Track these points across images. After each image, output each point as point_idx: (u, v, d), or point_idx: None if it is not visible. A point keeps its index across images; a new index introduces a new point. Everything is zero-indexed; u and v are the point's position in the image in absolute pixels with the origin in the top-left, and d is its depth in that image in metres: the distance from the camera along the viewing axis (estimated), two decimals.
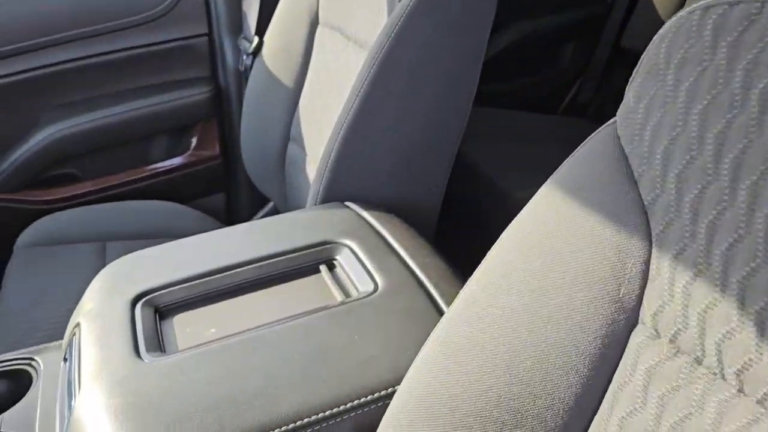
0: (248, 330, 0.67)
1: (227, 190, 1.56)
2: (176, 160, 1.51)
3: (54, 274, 1.16)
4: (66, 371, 0.70)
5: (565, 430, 0.46)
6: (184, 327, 0.70)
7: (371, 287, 0.71)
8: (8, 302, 1.10)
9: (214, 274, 0.76)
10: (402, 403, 0.52)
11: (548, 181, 0.49)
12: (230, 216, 1.57)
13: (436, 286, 0.70)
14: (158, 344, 0.67)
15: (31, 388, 0.74)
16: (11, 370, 0.78)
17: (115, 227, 1.31)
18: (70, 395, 0.65)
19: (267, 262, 0.78)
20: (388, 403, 0.58)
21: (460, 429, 0.48)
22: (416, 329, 0.64)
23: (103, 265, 0.97)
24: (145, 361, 0.63)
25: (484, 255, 0.91)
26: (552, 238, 0.47)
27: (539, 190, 0.50)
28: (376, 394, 0.58)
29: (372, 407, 0.58)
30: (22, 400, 0.73)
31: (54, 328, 1.01)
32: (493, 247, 0.53)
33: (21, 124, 1.40)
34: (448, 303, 0.68)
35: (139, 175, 1.47)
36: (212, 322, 0.70)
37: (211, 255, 0.80)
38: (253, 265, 0.77)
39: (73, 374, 0.66)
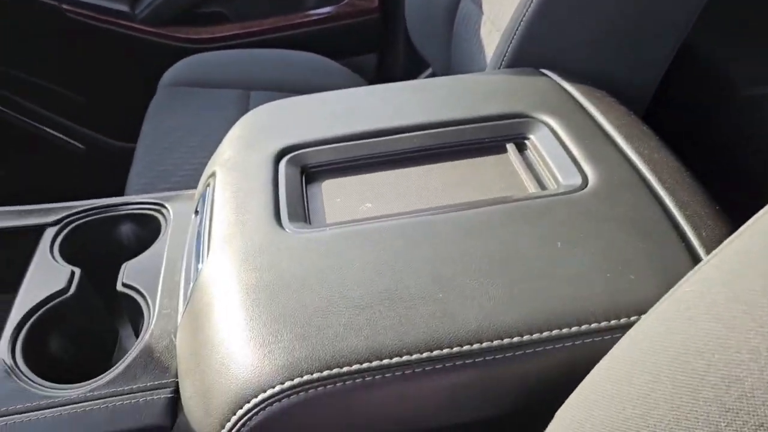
0: (413, 213, 0.53)
1: (382, 50, 1.40)
2: (329, 9, 1.36)
3: (195, 118, 1.08)
4: (196, 226, 0.60)
5: None
6: (333, 196, 0.57)
7: (578, 180, 0.54)
8: (146, 142, 1.04)
9: (374, 137, 0.62)
10: (634, 356, 0.36)
11: None
12: (382, 79, 1.42)
13: (671, 192, 0.51)
14: (303, 213, 0.54)
15: (158, 238, 0.66)
16: (141, 214, 0.69)
17: (260, 75, 1.20)
18: (198, 256, 0.54)
19: (439, 130, 0.62)
20: (598, 342, 0.42)
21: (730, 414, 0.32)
22: (643, 246, 0.47)
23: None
24: (287, 231, 0.51)
25: (699, 154, 0.69)
26: None
27: None
28: (584, 327, 0.42)
29: (575, 343, 0.42)
30: (148, 250, 0.64)
31: (189, 174, 0.94)
32: None
33: None
34: (689, 218, 0.49)
35: (289, 22, 1.34)
36: (368, 196, 0.56)
37: (370, 113, 0.65)
38: (422, 132, 0.62)
39: (203, 232, 0.56)
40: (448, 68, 1.13)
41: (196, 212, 0.63)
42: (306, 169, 0.60)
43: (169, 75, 1.23)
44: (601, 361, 0.38)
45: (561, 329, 0.42)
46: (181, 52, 1.29)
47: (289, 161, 0.59)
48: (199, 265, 0.53)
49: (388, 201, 0.55)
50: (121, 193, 0.96)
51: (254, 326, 0.44)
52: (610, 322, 0.43)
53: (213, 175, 0.61)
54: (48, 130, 1.37)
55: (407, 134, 0.62)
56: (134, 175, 0.97)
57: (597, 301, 0.43)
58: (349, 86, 0.79)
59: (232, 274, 0.48)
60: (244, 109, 1.09)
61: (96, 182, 1.37)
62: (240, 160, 0.61)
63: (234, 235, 0.51)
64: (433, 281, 0.45)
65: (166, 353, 0.53)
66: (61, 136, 1.38)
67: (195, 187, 0.70)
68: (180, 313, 0.54)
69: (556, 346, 0.42)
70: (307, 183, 0.59)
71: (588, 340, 0.42)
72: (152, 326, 0.55)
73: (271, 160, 0.59)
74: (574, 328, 0.42)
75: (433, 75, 1.28)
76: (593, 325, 0.43)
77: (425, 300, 0.44)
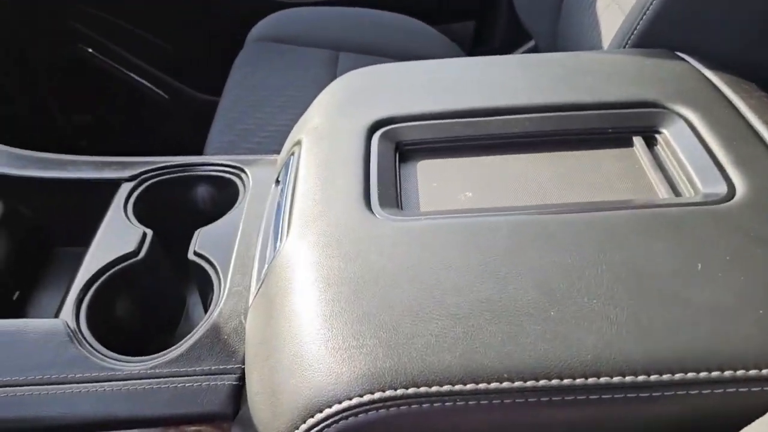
0: (521, 209, 0.46)
1: (481, 17, 1.31)
2: None
3: (280, 76, 1.03)
4: (276, 198, 0.56)
5: None
6: (429, 180, 0.51)
7: (722, 189, 0.45)
8: (230, 97, 1.00)
9: (479, 116, 0.55)
10: None
11: None
12: (479, 50, 1.33)
13: None
14: (395, 196, 0.48)
15: (235, 205, 0.62)
16: (219, 177, 0.65)
17: (351, 35, 1.14)
18: (276, 233, 0.50)
19: (553, 114, 0.54)
20: (746, 393, 0.35)
21: None
22: None
23: (335, 76, 0.80)
24: (377, 216, 0.45)
25: None
26: None
27: None
28: (727, 373, 0.35)
29: (714, 391, 0.35)
30: (223, 218, 0.60)
31: (271, 136, 0.89)
32: None
33: None
34: None
35: None
36: (469, 183, 0.50)
37: (475, 89, 0.58)
38: (533, 115, 0.55)
39: (283, 206, 0.51)
40: (553, 43, 1.04)
41: (277, 182, 0.58)
42: (401, 146, 0.53)
43: (257, 29, 1.18)
44: (756, 422, 0.31)
45: (698, 372, 0.35)
46: (271, 6, 1.24)
47: (383, 135, 0.53)
48: (277, 244, 0.48)
49: (492, 191, 0.49)
50: (200, 148, 0.93)
51: (334, 324, 0.39)
52: (762, 371, 0.35)
53: (299, 143, 0.56)
54: (134, 76, 1.36)
55: (516, 116, 0.54)
56: (215, 132, 0.93)
57: (747, 342, 0.36)
58: (447, 55, 0.72)
59: (312, 259, 0.43)
60: (332, 71, 1.03)
61: (177, 133, 1.36)
62: (329, 129, 0.55)
63: (318, 214, 0.46)
64: (544, 295, 0.39)
65: (234, 336, 0.48)
66: (146, 83, 1.36)
67: (277, 151, 0.65)
68: (252, 294, 0.50)
69: (691, 392, 0.35)
70: (400, 162, 0.53)
71: (731, 390, 0.35)
72: (222, 303, 0.51)
73: (363, 133, 0.53)
74: (715, 373, 0.35)
75: (534, 49, 1.18)
76: (739, 372, 0.35)
77: (534, 317, 0.38)
